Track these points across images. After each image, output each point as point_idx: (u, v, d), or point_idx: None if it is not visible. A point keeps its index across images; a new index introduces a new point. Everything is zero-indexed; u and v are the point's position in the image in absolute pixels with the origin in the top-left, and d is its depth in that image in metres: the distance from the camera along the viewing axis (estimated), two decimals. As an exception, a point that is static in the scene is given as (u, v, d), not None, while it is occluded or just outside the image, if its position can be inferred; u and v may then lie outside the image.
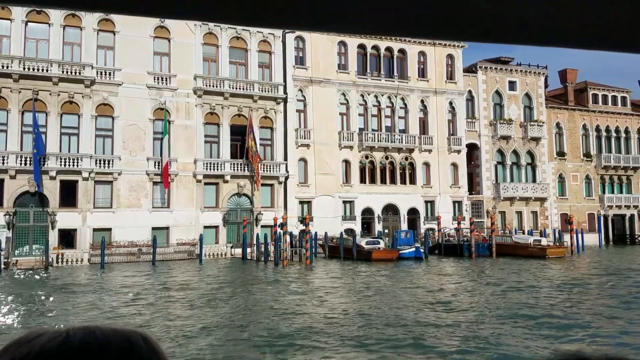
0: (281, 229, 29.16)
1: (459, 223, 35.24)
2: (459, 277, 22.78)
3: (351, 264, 28.84)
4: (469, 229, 34.61)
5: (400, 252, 31.26)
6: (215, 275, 24.77)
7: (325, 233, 34.81)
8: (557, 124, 50.17)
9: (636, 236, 51.03)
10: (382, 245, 31.01)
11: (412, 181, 43.78)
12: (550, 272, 23.95)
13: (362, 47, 42.82)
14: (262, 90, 38.12)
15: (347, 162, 41.57)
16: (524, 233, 38.75)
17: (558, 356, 0.62)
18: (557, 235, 36.91)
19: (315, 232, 35.90)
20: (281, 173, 38.17)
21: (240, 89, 37.48)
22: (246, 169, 36.97)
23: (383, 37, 43.39)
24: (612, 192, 51.82)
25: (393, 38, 43.67)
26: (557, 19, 0.80)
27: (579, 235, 37.11)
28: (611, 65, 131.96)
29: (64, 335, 0.61)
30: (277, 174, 38.07)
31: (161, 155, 34.84)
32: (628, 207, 51.62)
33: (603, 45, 0.87)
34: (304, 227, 29.41)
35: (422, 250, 31.84)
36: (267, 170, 37.81)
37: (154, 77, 35.91)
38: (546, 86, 54.94)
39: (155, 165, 35.04)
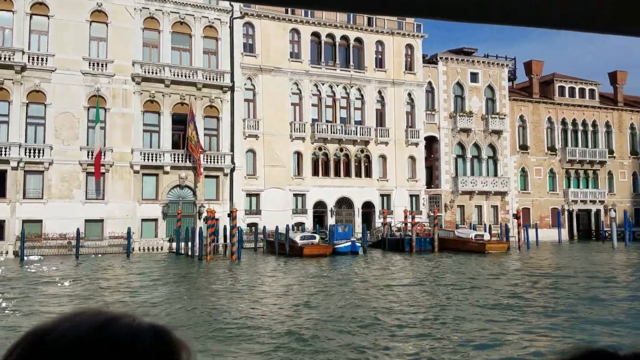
0: (206, 222, 27.71)
1: (405, 217, 33.93)
2: (364, 274, 21.47)
3: (283, 260, 27.55)
4: (413, 223, 33.29)
5: (336, 246, 29.95)
6: (128, 269, 23.40)
7: (264, 227, 33.49)
8: (521, 117, 48.99)
9: (602, 232, 49.90)
10: (317, 240, 29.66)
11: (368, 174, 42.48)
12: (468, 269, 22.73)
13: (316, 35, 41.38)
14: (206, 78, 36.62)
15: (299, 154, 40.18)
16: (473, 228, 37.43)
17: (580, 352, 0.60)
18: (504, 230, 35.55)
19: (251, 226, 34.63)
20: (226, 164, 36.75)
21: (182, 76, 35.96)
22: (188, 159, 35.52)
23: (339, 26, 42.00)
24: (578, 187, 50.78)
25: (349, 26, 42.31)
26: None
27: (528, 230, 35.94)
28: (583, 60, 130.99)
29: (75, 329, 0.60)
30: (222, 165, 36.64)
31: (94, 145, 33.32)
32: (594, 202, 50.59)
33: (593, 26, 0.88)
34: (232, 221, 27.95)
35: (358, 245, 30.56)
36: (211, 162, 36.37)
37: (90, 63, 34.33)
38: (515, 78, 53.86)
39: (89, 155, 33.50)
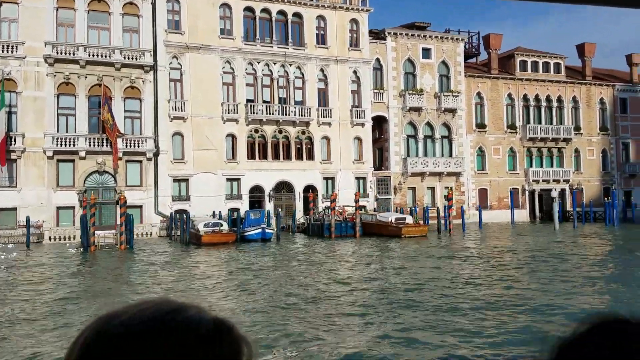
0: (90, 209, 26.02)
1: (332, 201, 32.04)
2: (236, 264, 19.85)
3: (184, 249, 25.98)
4: (332, 207, 31.46)
5: (245, 233, 28.26)
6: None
7: (171, 214, 31.83)
8: (478, 94, 46.67)
9: (568, 212, 47.56)
10: (223, 227, 27.91)
11: (310, 157, 40.60)
12: (347, 256, 21.01)
13: (250, 10, 39.29)
14: (126, 58, 34.82)
15: (232, 137, 38.37)
16: (410, 213, 35.39)
17: (594, 319, 0.63)
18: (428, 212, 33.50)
19: (179, 213, 33.04)
20: (149, 148, 35.07)
21: (99, 56, 34.20)
22: (107, 144, 33.90)
23: (275, 0, 39.85)
24: (541, 166, 48.52)
25: (287, 1, 40.14)
26: None
27: (463, 212, 33.93)
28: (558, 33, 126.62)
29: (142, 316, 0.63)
30: (144, 149, 34.98)
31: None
32: (558, 181, 48.32)
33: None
34: (121, 209, 26.31)
35: (270, 231, 28.83)
36: (132, 146, 34.72)
37: (-1, 45, 32.69)
38: (478, 54, 51.48)
39: (-2, 141, 31.99)
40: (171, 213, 32.29)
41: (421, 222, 31.12)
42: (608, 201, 40.69)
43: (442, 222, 33.97)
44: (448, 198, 33.44)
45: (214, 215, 32.77)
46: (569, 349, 0.62)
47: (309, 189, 40.28)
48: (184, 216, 28.51)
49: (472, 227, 37.41)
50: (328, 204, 37.87)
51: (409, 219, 30.04)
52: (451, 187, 44.06)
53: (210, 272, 17.13)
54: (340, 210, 32.27)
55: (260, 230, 28.23)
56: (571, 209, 45.65)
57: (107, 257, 22.32)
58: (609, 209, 39.50)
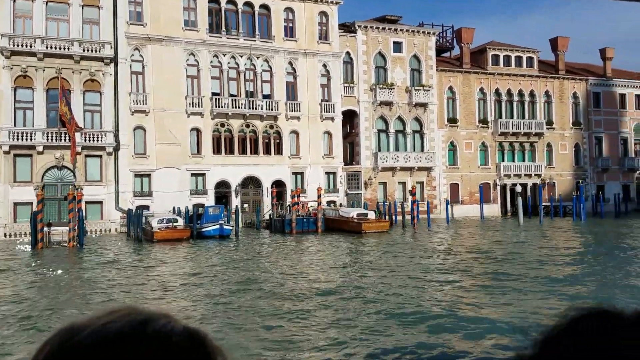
0: (38, 205, 25.33)
1: (293, 197, 31.54)
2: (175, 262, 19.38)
3: (137, 247, 25.39)
4: (293, 203, 31.03)
5: (203, 229, 27.73)
6: None
7: (129, 210, 31.23)
8: (450, 88, 46.35)
9: (529, 206, 46.98)
10: (177, 223, 27.36)
11: (279, 151, 40.07)
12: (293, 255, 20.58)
13: (215, 1, 38.56)
14: (85, 50, 34.01)
15: (197, 131, 37.73)
16: (376, 207, 35.02)
17: (582, 313, 0.61)
18: (390, 207, 33.14)
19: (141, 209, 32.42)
20: (109, 143, 34.34)
21: (57, 48, 33.36)
22: (64, 138, 33.13)
23: (242, -8, 39.13)
24: (513, 160, 48.38)
25: (254, -7, 39.42)
26: None
27: (429, 207, 33.62)
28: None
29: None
30: (104, 143, 34.25)
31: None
32: (529, 175, 48.22)
33: None
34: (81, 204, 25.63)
35: (228, 227, 28.32)
36: (92, 140, 33.97)
37: (-48, 37, 31.75)
38: (452, 48, 51.15)
39: (-50, 135, 31.16)
40: (129, 209, 31.59)
41: (387, 217, 30.78)
42: (576, 196, 40.65)
43: (408, 217, 33.72)
44: (412, 193, 33.11)
45: (173, 211, 32.21)
46: (551, 344, 0.58)
47: (278, 184, 39.77)
48: (138, 212, 27.88)
49: (440, 222, 37.17)
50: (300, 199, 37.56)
51: (371, 215, 29.67)
52: (422, 182, 43.83)
53: (139, 272, 16.63)
54: (302, 205, 31.79)
55: (217, 226, 27.69)
56: (547, 204, 45.44)
57: (49, 254, 21.71)
58: (576, 203, 39.45)
